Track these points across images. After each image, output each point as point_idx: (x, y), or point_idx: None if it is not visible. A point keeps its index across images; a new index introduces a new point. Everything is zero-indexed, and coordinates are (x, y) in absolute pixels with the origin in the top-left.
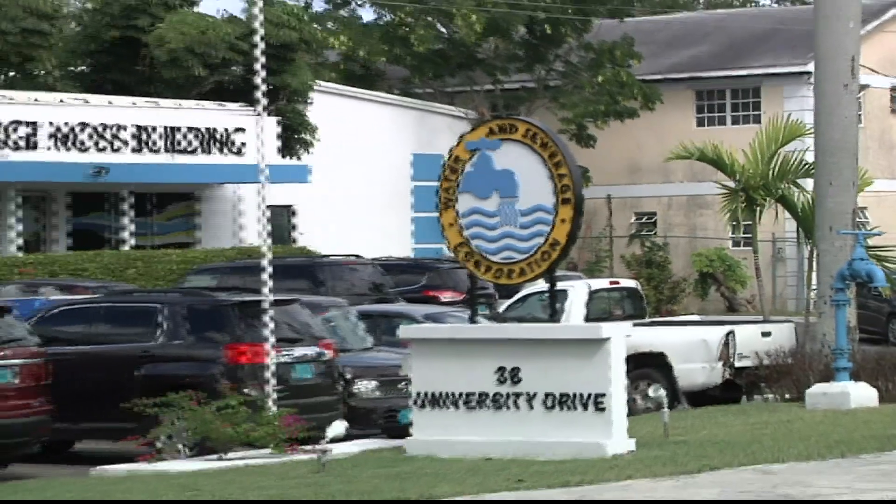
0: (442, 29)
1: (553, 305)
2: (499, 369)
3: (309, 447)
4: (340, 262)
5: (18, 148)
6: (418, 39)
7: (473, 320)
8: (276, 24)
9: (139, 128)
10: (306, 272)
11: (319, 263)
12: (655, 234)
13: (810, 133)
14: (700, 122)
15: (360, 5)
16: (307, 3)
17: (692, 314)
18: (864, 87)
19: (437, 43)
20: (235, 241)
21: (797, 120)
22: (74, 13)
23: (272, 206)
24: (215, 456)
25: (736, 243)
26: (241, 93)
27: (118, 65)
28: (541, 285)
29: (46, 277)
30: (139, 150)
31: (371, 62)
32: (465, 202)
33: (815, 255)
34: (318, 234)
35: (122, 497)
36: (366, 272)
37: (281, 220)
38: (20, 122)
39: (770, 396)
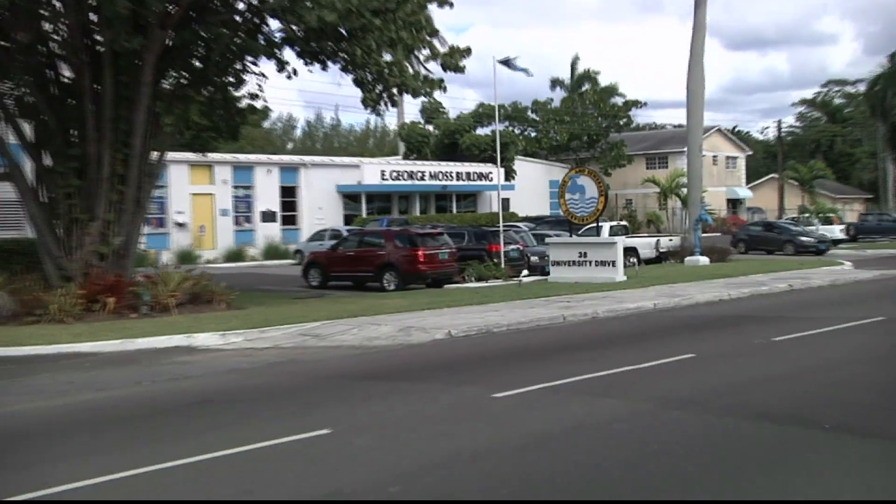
0: (556, 137)
1: (598, 230)
2: (579, 252)
3: (515, 279)
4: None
5: (416, 179)
6: (546, 142)
7: (571, 235)
8: (503, 136)
9: (457, 172)
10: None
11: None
12: (632, 207)
13: (685, 174)
14: (647, 168)
15: (528, 131)
16: (513, 130)
17: (645, 234)
18: (704, 155)
19: (552, 143)
20: (490, 210)
21: (682, 168)
22: (436, 134)
23: (502, 199)
24: (483, 282)
25: (660, 209)
26: (492, 159)
27: (452, 152)
28: (593, 224)
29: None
30: (457, 179)
31: (533, 149)
32: (568, 195)
33: (688, 213)
34: (519, 209)
35: (453, 294)
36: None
37: (505, 203)
38: (417, 171)
39: (672, 261)
